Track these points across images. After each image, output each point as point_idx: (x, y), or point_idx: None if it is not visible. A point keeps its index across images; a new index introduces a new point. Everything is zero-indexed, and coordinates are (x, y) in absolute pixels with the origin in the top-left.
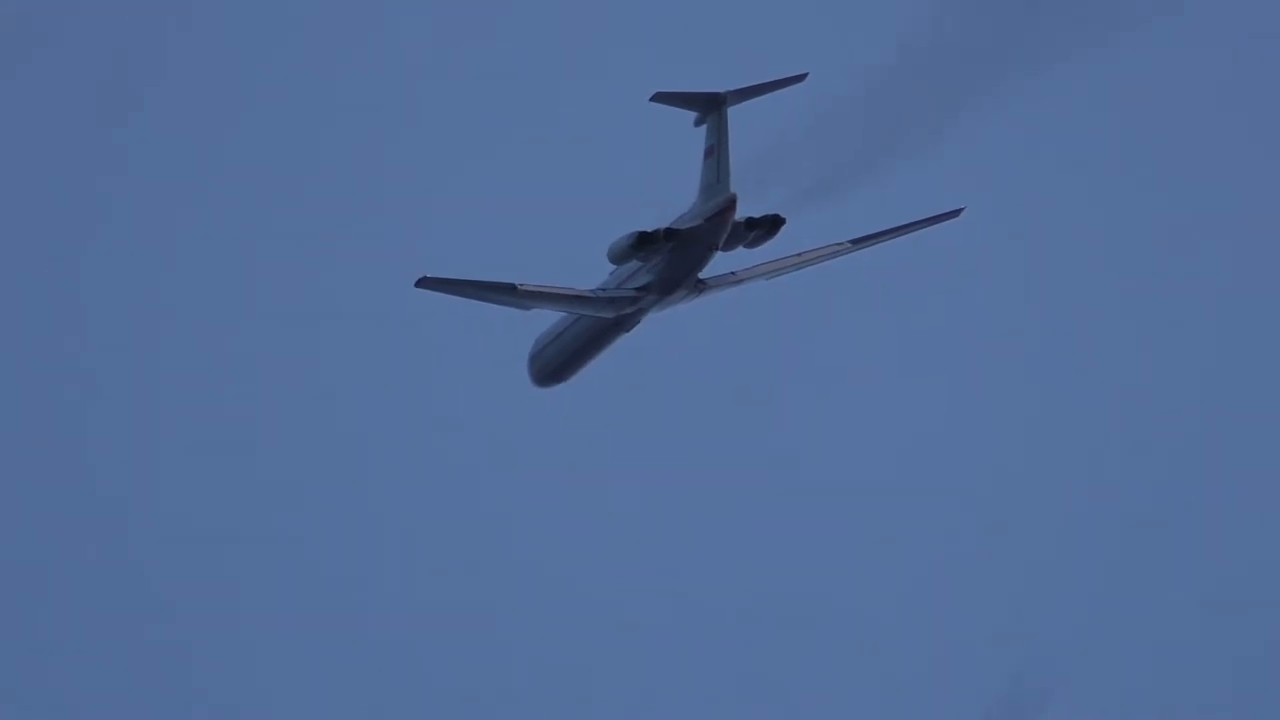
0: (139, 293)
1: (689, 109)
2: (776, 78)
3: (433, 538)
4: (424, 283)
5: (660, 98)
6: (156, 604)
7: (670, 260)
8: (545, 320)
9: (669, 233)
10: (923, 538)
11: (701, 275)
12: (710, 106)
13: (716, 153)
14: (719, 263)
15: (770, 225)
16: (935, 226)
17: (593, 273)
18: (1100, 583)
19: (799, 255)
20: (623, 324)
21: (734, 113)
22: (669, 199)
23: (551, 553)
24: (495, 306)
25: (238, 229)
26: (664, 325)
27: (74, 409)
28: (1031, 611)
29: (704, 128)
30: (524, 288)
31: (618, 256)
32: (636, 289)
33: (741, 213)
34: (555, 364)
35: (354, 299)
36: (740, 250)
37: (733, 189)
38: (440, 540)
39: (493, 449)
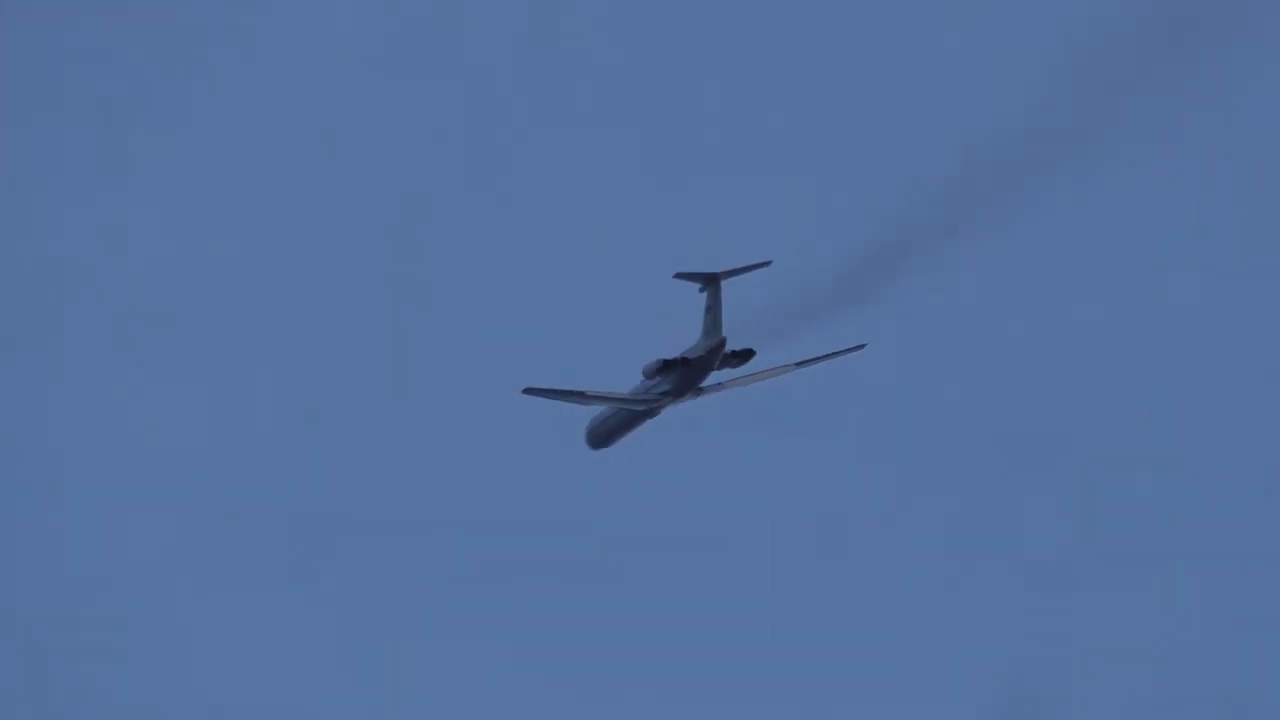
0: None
1: (696, 282)
2: (751, 263)
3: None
4: (529, 391)
5: (680, 276)
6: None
7: (682, 376)
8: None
9: (682, 360)
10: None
11: (702, 385)
12: (710, 281)
13: (714, 310)
14: (711, 376)
15: (745, 355)
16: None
17: (625, 378)
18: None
19: (761, 373)
20: (650, 414)
21: (725, 284)
22: (676, 333)
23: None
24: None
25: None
26: (677, 417)
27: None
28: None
29: (705, 294)
30: (590, 393)
31: (648, 373)
32: (660, 393)
33: (727, 346)
34: (604, 435)
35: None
36: (726, 370)
37: (723, 333)
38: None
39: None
